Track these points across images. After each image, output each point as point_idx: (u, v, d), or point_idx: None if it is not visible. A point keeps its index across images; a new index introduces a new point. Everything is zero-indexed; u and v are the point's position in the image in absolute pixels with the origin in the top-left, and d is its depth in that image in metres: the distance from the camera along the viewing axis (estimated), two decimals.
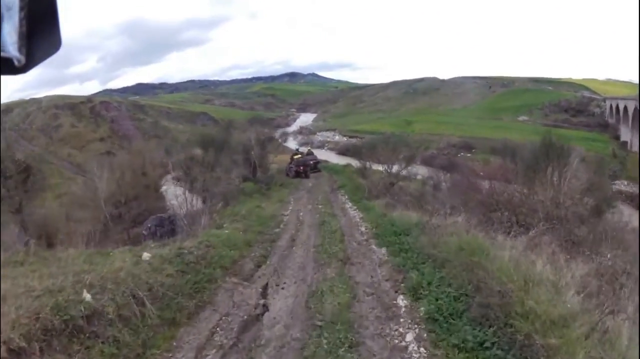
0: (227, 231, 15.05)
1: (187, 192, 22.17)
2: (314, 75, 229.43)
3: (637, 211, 37.02)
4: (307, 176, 35.16)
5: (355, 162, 39.28)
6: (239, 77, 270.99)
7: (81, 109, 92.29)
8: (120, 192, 27.10)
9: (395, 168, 29.53)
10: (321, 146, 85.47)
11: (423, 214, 15.11)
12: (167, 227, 17.57)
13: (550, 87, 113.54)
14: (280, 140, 62.32)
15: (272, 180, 29.33)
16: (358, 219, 17.96)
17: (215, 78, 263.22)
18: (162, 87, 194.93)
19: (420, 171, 42.15)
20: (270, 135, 34.92)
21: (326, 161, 54.80)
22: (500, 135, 74.19)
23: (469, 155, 75.44)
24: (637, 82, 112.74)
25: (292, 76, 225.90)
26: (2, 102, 77.33)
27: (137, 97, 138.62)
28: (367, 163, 30.54)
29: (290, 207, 22.02)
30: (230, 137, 30.42)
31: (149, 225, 18.51)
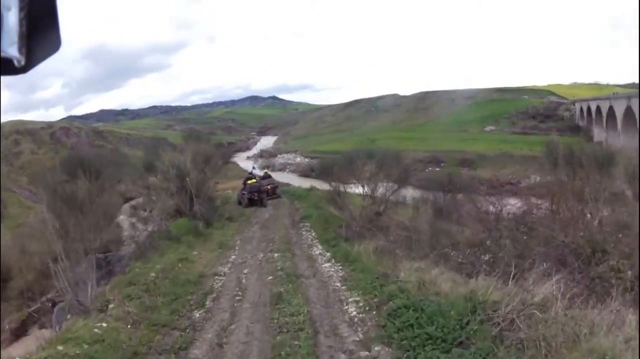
0: (103, 325, 8.05)
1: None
2: (274, 98, 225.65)
3: (638, 210, 32.57)
4: (263, 204, 27.99)
5: (320, 185, 32.86)
6: (200, 102, 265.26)
7: (42, 135, 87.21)
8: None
9: (380, 191, 20.55)
10: (282, 168, 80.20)
11: (457, 273, 8.08)
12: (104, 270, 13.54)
13: (514, 96, 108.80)
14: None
15: (214, 213, 21.83)
16: (338, 285, 10.75)
17: (177, 104, 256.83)
18: (124, 113, 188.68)
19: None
20: (215, 153, 26.11)
21: (288, 184, 47.87)
22: (466, 147, 72.42)
23: (437, 169, 68.50)
24: (603, 83, 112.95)
25: (253, 99, 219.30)
26: None
27: (100, 123, 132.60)
28: (341, 186, 21.06)
29: (233, 257, 15.05)
30: (158, 160, 22.54)
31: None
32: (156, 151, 27.31)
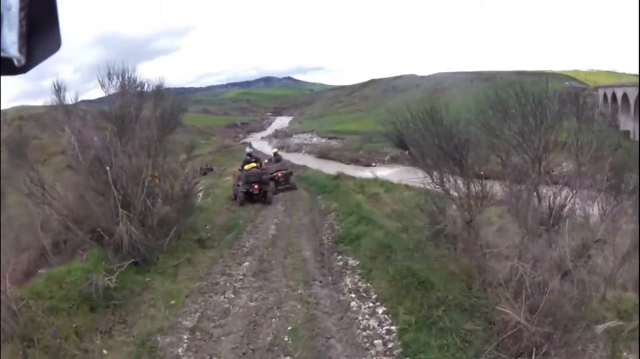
0: None
1: None
2: (289, 79, 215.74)
3: (637, 208, 27.43)
4: (266, 201, 16.87)
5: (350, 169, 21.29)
6: (214, 83, 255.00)
7: (45, 119, 77.55)
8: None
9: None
10: (298, 149, 70.96)
11: None
12: None
13: (534, 79, 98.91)
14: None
15: (163, 237, 10.11)
16: None
17: (191, 85, 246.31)
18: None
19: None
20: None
21: (304, 168, 36.57)
22: None
23: None
24: (620, 72, 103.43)
25: (267, 81, 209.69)
26: None
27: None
28: (447, 178, 8.72)
29: None
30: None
31: None
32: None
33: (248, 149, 20.14)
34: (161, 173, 11.19)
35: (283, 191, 19.68)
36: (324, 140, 75.95)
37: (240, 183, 17.12)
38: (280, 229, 12.79)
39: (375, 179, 22.69)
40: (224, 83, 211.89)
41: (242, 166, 18.49)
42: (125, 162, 9.64)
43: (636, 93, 59.45)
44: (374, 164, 60.57)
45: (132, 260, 8.90)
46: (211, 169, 46.22)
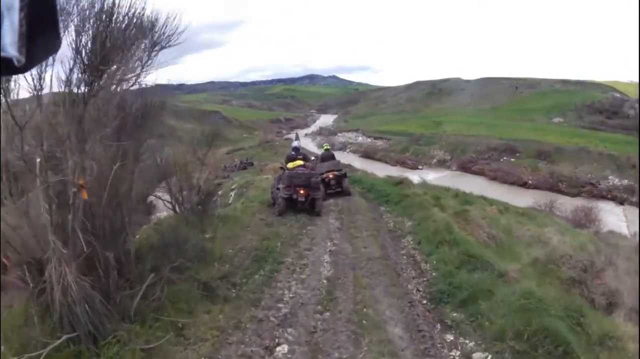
0: None
1: None
2: (333, 77, 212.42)
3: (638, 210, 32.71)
4: (314, 211, 12.10)
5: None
6: (259, 79, 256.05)
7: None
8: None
9: None
10: (342, 147, 66.57)
11: None
12: None
13: (577, 88, 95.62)
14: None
15: (142, 291, 5.58)
16: None
17: (235, 80, 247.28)
18: (181, 88, 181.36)
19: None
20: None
21: (350, 168, 32.06)
22: (537, 137, 60.59)
23: (512, 160, 57.24)
24: None
25: (312, 78, 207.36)
26: None
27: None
28: None
29: None
30: None
31: None
32: None
33: (295, 143, 15.24)
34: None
35: (333, 196, 14.93)
36: (369, 140, 71.51)
37: (280, 186, 12.32)
38: (339, 264, 7.96)
39: (447, 189, 17.65)
40: (269, 79, 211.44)
41: (285, 163, 13.74)
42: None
43: None
44: (420, 166, 56.77)
45: (67, 336, 4.46)
46: (251, 164, 44.28)
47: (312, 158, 15.53)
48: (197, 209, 9.86)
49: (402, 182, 16.74)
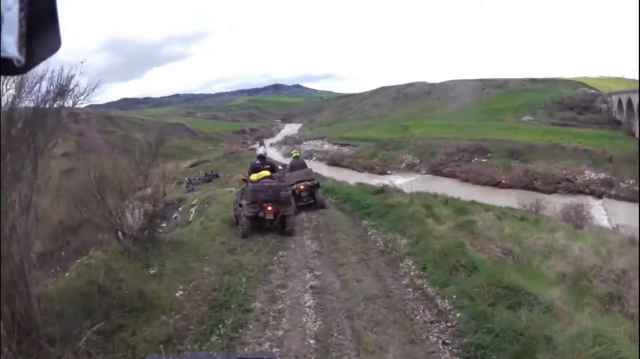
0: None
1: None
2: (297, 86, 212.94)
3: (638, 210, 31.21)
4: (286, 230, 10.03)
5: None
6: (224, 90, 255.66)
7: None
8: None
9: None
10: (309, 156, 64.23)
11: None
12: None
13: (546, 86, 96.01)
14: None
15: None
16: None
17: (200, 92, 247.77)
18: (147, 101, 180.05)
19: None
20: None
21: (318, 176, 30.22)
22: (508, 136, 61.15)
23: (484, 160, 57.56)
24: (629, 78, 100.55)
25: (277, 88, 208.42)
26: None
27: (122, 112, 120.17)
28: None
29: None
30: None
31: None
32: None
33: (260, 150, 13.02)
34: None
35: (305, 208, 13.04)
36: (335, 147, 70.93)
37: (244, 202, 10.13)
38: (327, 310, 5.74)
39: (435, 195, 16.03)
40: (233, 90, 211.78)
41: (249, 175, 11.40)
42: None
43: None
44: (389, 171, 55.99)
45: None
46: (217, 176, 42.49)
47: (280, 167, 13.52)
48: (141, 236, 7.84)
49: (382, 190, 14.90)
